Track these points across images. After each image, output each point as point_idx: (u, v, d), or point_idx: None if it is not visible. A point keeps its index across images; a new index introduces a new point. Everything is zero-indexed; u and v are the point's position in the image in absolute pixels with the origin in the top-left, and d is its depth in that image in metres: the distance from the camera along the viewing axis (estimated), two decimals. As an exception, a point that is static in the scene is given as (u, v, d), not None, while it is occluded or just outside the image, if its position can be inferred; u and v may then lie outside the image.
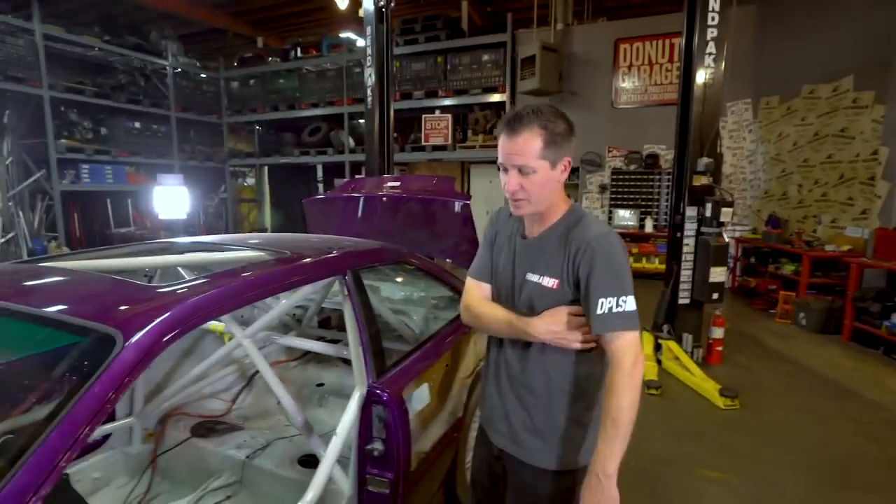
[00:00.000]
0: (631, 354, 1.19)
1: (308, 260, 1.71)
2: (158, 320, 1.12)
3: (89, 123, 8.99)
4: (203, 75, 11.11)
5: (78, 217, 9.23)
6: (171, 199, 8.98)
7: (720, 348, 4.60)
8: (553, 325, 1.26)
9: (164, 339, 1.11)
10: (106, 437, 2.23)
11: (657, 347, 4.62)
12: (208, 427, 2.38)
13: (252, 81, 11.07)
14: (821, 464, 3.03)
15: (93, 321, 1.09)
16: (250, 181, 12.92)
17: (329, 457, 1.60)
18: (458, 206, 3.03)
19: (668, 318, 4.67)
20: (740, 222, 7.95)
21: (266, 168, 12.43)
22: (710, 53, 4.25)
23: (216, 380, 2.64)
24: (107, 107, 9.15)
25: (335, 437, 1.66)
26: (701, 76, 4.27)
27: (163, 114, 10.03)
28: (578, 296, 1.26)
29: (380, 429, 1.71)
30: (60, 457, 0.88)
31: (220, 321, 2.20)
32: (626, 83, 8.55)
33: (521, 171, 1.23)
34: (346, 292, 1.76)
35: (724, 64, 4.27)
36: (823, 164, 6.78)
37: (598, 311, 1.20)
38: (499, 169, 1.29)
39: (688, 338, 4.56)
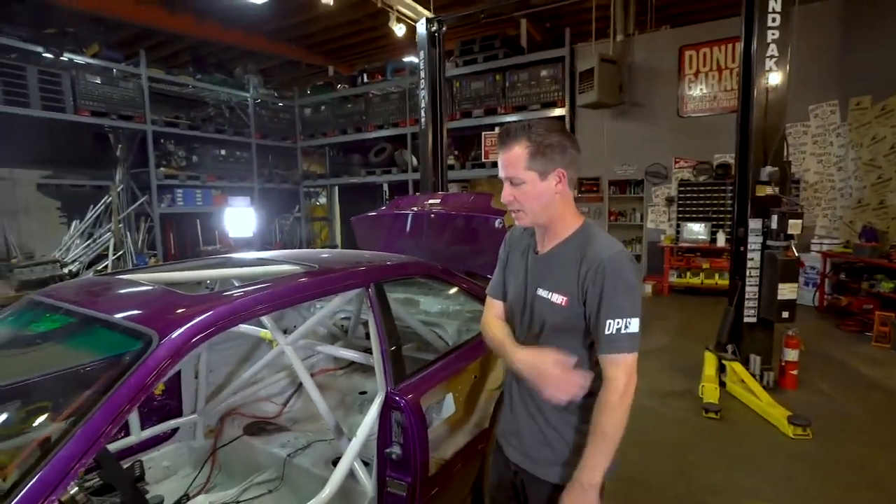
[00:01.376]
0: (625, 376, 1.22)
1: (333, 273, 1.86)
2: (189, 324, 1.30)
3: (183, 152, 10.08)
4: (280, 104, 12.08)
5: (173, 236, 10.31)
6: (240, 219, 9.83)
7: (794, 372, 4.22)
8: (536, 363, 1.27)
9: (193, 339, 1.29)
10: (175, 431, 2.51)
11: (720, 369, 4.33)
12: (259, 426, 2.60)
13: (323, 107, 11.86)
14: (904, 505, 2.70)
15: (136, 323, 1.29)
16: (322, 200, 13.73)
17: (347, 456, 1.72)
18: (494, 222, 3.10)
19: (732, 337, 4.37)
20: (829, 234, 7.27)
21: (336, 188, 13.16)
22: (771, 56, 4.01)
23: (270, 384, 2.88)
24: (198, 137, 10.24)
25: (354, 438, 1.78)
26: (762, 81, 4.03)
27: (244, 141, 11.02)
28: (586, 313, 1.28)
29: (398, 433, 1.81)
30: (101, 432, 1.07)
31: (267, 330, 2.42)
32: (694, 91, 8.18)
33: (512, 182, 1.29)
34: (369, 303, 1.89)
35: (788, 66, 4.01)
36: (926, 168, 6.05)
37: (607, 332, 1.22)
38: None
39: (755, 359, 4.24)
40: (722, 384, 4.22)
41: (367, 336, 3.22)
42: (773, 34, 3.95)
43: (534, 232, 1.42)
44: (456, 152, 10.53)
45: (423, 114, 5.95)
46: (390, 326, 1.90)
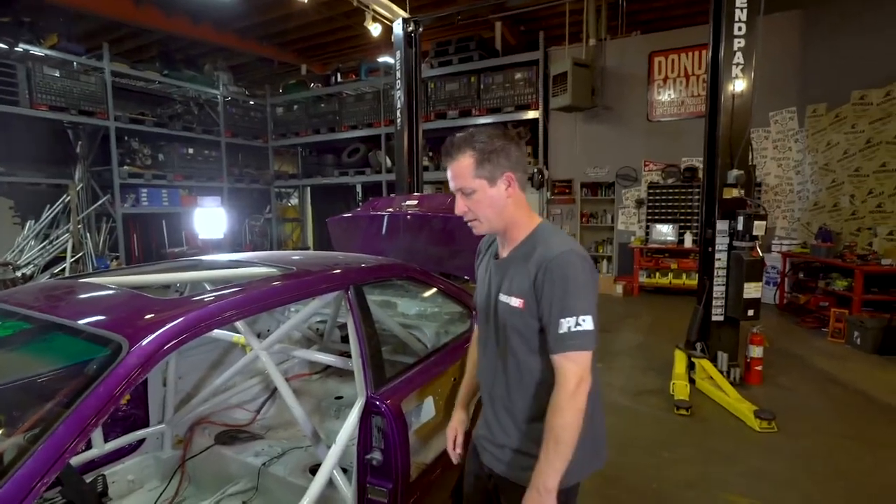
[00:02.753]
0: (576, 376, 1.20)
1: (311, 276, 1.82)
2: (161, 331, 1.24)
3: (149, 151, 9.72)
4: (251, 102, 11.80)
5: (137, 237, 9.94)
6: (210, 219, 9.56)
7: (759, 368, 4.38)
8: None
9: (166, 346, 1.23)
10: (141, 442, 2.40)
11: (690, 366, 4.45)
12: (231, 435, 2.51)
13: (296, 106, 11.65)
14: (866, 494, 2.82)
15: (103, 329, 1.22)
16: (294, 201, 13.48)
17: (327, 464, 1.68)
18: (473, 223, 3.10)
19: (700, 335, 4.50)
20: (788, 235, 7.58)
21: (308, 189, 12.96)
22: (737, 64, 4.15)
23: (242, 391, 2.79)
24: (164, 135, 9.89)
25: (334, 445, 1.74)
26: (729, 87, 4.17)
27: (214, 140, 10.71)
28: (539, 313, 1.27)
29: (378, 439, 1.78)
30: (66, 447, 1.00)
31: (240, 334, 2.35)
32: (662, 96, 8.40)
33: (463, 192, 1.30)
34: (348, 306, 1.85)
35: (752, 73, 4.16)
36: (878, 172, 6.38)
37: (560, 331, 1.21)
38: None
39: (723, 356, 4.37)
40: (692, 381, 4.33)
41: (343, 340, 3.18)
42: (738, 42, 4.09)
43: (494, 238, 1.44)
44: (430, 153, 10.51)
45: (398, 114, 5.91)
46: (370, 330, 1.86)
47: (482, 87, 9.35)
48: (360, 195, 13.04)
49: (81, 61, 8.68)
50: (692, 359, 4.45)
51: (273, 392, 2.88)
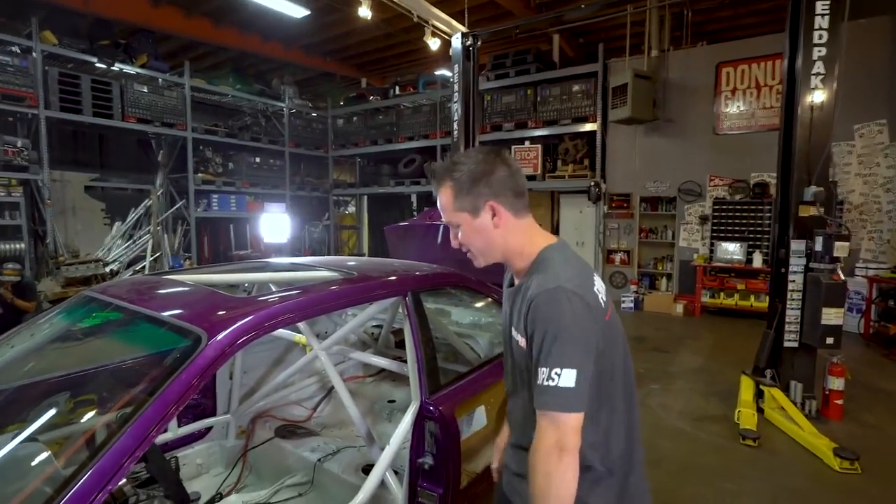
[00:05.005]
0: (548, 440, 1.02)
1: (371, 281, 1.88)
2: (235, 326, 1.33)
3: (220, 159, 10.42)
4: (314, 114, 12.38)
5: (207, 240, 10.61)
6: (275, 224, 10.06)
7: (839, 401, 4.02)
8: None
9: (239, 340, 1.32)
10: (208, 430, 2.55)
11: (758, 394, 4.17)
12: (290, 430, 2.62)
13: (355, 118, 12.09)
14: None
15: (187, 322, 1.33)
16: (351, 209, 13.93)
17: (381, 464, 1.71)
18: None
19: (771, 362, 4.21)
20: (875, 259, 6.96)
21: (365, 197, 13.35)
22: (817, 74, 3.90)
23: (301, 388, 2.91)
24: (234, 144, 10.57)
25: (388, 446, 1.78)
26: (807, 99, 3.93)
27: (278, 149, 11.31)
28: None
29: (431, 443, 1.80)
30: (152, 428, 1.09)
31: (301, 334, 2.46)
32: (730, 108, 8.02)
33: (452, 227, 1.23)
34: (406, 312, 1.89)
35: (835, 84, 3.90)
36: (982, 192, 5.75)
37: (538, 381, 1.05)
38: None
39: (796, 386, 4.06)
40: (760, 410, 4.05)
41: (397, 345, 3.24)
42: (819, 51, 3.85)
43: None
44: (485, 165, 10.55)
45: (455, 126, 6.00)
46: (426, 336, 1.90)
47: (539, 99, 9.32)
48: (415, 205, 13.28)
49: (165, 78, 9.47)
50: (761, 386, 4.17)
51: (329, 391, 2.98)
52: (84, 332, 1.70)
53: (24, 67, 7.47)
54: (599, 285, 1.19)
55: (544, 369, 1.03)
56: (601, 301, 1.16)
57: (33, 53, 7.59)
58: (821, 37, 3.84)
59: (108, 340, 1.70)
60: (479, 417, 2.11)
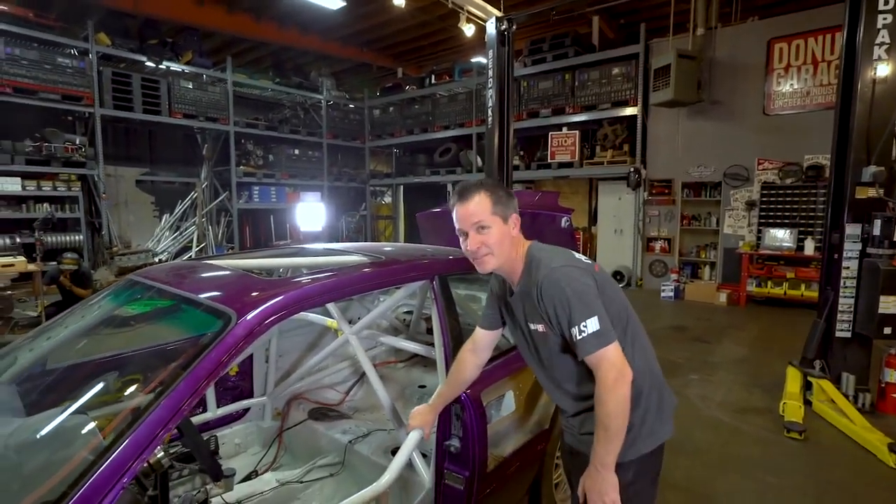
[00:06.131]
0: (612, 371, 1.32)
1: (399, 264, 1.89)
2: (264, 306, 1.38)
3: (261, 152, 10.74)
4: (350, 105, 12.54)
5: (249, 230, 11.00)
6: (311, 214, 10.30)
7: (897, 395, 3.79)
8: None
9: (268, 320, 1.36)
10: (246, 411, 2.67)
11: (806, 386, 3.97)
12: (323, 412, 2.70)
13: (391, 108, 12.17)
14: None
15: (217, 303, 1.38)
16: (387, 199, 14.08)
17: (407, 446, 1.73)
18: (561, 220, 3.03)
19: (821, 353, 3.99)
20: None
21: (401, 187, 13.46)
22: (881, 44, 3.62)
23: (334, 372, 2.98)
24: (274, 137, 10.87)
25: (415, 429, 1.79)
26: (868, 72, 3.65)
27: (316, 141, 11.55)
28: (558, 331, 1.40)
29: (458, 427, 1.81)
30: (183, 402, 1.15)
31: (333, 319, 2.51)
32: (783, 87, 7.56)
33: (481, 227, 1.41)
34: (433, 296, 1.90)
35: (901, 55, 3.60)
36: None
37: (576, 339, 1.33)
38: (459, 237, 1.47)
39: (849, 378, 3.84)
40: (807, 403, 3.86)
41: (428, 331, 3.27)
42: (884, 18, 3.56)
43: (502, 277, 1.56)
44: (521, 152, 10.42)
45: (489, 113, 5.93)
46: (454, 320, 1.90)
47: (577, 84, 9.09)
48: (451, 194, 13.28)
49: (209, 73, 9.81)
50: (809, 378, 3.96)
51: (361, 376, 3.04)
52: (128, 316, 1.81)
53: (81, 69, 7.92)
54: (579, 255, 1.50)
55: (575, 328, 1.32)
56: (584, 261, 1.48)
57: (89, 55, 8.03)
58: (887, 1, 3.54)
59: (147, 322, 1.80)
60: (508, 402, 2.11)
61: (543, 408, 2.22)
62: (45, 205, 7.70)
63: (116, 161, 9.12)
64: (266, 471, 2.37)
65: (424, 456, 1.97)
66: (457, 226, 1.46)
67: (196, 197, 9.64)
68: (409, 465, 1.87)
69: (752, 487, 2.84)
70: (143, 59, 8.91)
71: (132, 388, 1.48)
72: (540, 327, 1.44)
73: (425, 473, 1.87)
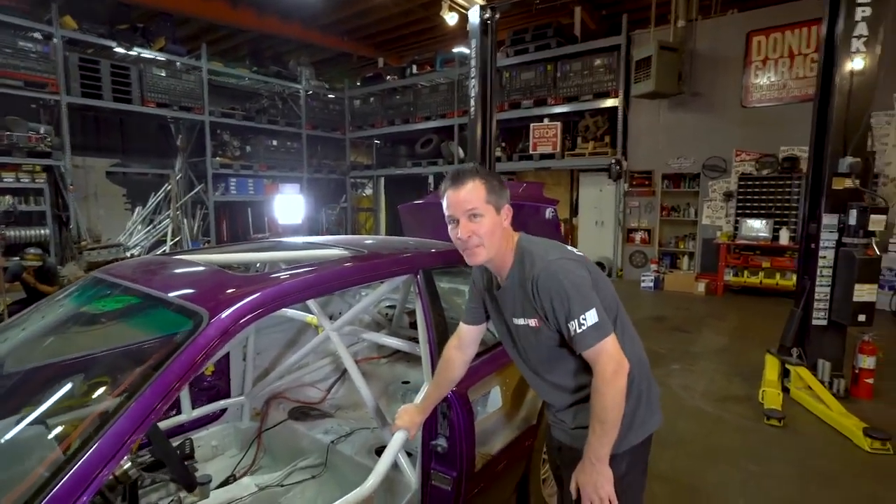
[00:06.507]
0: (610, 363, 1.30)
1: (381, 258, 1.82)
2: (238, 305, 1.29)
3: (238, 143, 10.45)
4: (330, 95, 12.28)
5: (226, 223, 10.73)
6: (290, 206, 10.08)
7: (870, 380, 3.87)
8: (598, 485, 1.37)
9: (243, 320, 1.28)
10: (223, 412, 2.57)
11: (784, 373, 4.04)
12: (303, 412, 2.61)
13: (372, 99, 11.97)
14: None
15: (188, 302, 1.29)
16: (368, 191, 13.90)
17: (392, 447, 1.68)
18: (545, 211, 2.99)
19: (797, 340, 4.06)
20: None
21: (382, 179, 13.29)
22: (859, 36, 3.65)
23: (314, 370, 2.89)
24: (252, 128, 10.57)
25: (400, 429, 1.74)
26: (846, 65, 3.68)
27: (295, 132, 11.28)
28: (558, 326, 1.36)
29: (444, 426, 1.76)
30: (152, 408, 1.07)
31: (313, 315, 2.43)
32: (761, 79, 7.65)
33: (473, 215, 1.35)
34: (417, 290, 1.84)
35: (878, 48, 3.64)
36: None
37: (574, 333, 1.31)
38: (448, 223, 1.41)
39: (824, 365, 3.92)
40: (785, 390, 3.93)
41: (411, 325, 3.20)
42: (863, 11, 3.59)
43: (487, 269, 1.51)
44: (503, 144, 10.37)
45: (472, 103, 5.86)
46: (438, 315, 1.84)
47: (559, 75, 9.06)
48: (432, 186, 13.17)
49: (183, 61, 9.47)
50: (787, 366, 4.03)
51: (343, 373, 2.96)
52: (93, 315, 1.69)
53: (45, 53, 7.55)
54: (570, 248, 1.48)
55: (574, 321, 1.29)
56: (577, 253, 1.46)
57: (54, 39, 7.66)
58: (864, -5, 3.58)
59: (116, 323, 1.69)
60: (495, 398, 2.07)
61: (531, 403, 2.19)
62: (6, 197, 7.36)
63: (85, 151, 8.74)
64: (244, 474, 2.28)
65: (410, 455, 1.92)
66: (447, 212, 1.39)
67: (170, 189, 9.33)
68: (395, 465, 1.82)
69: (737, 476, 2.88)
70: (113, 44, 8.53)
71: (96, 394, 1.38)
72: (533, 322, 1.40)
73: (411, 475, 1.82)
